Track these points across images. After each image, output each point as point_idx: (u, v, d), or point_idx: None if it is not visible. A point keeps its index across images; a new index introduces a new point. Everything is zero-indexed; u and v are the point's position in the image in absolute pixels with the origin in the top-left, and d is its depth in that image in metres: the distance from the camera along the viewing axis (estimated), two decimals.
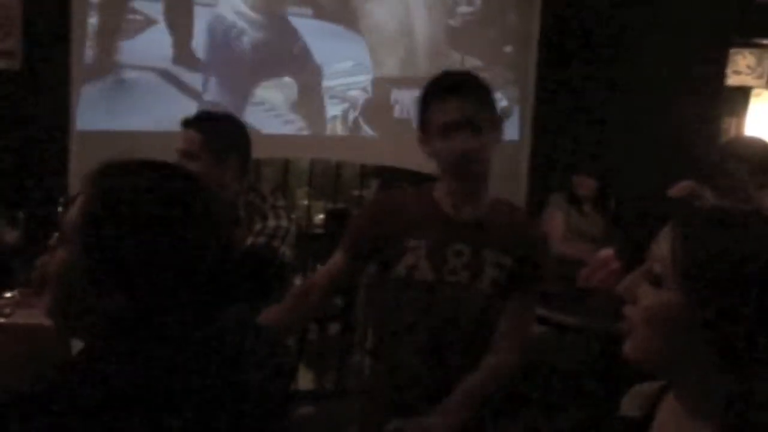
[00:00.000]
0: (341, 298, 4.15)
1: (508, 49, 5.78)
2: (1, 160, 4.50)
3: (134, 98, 4.88)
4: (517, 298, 2.22)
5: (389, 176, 5.50)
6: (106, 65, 4.85)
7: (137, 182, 1.21)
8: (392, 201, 2.36)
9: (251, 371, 1.26)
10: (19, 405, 1.08)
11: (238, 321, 1.30)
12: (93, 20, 4.81)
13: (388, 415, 2.13)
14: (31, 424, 1.05)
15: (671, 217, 1.17)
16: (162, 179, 1.23)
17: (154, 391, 1.13)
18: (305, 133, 5.32)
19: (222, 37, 5.07)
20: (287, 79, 5.26)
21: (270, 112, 5.23)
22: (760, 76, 5.28)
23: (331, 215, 5.60)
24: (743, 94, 5.29)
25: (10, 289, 2.85)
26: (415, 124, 2.31)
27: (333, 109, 5.37)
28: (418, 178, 3.13)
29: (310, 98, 5.31)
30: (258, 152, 3.02)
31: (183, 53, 5.00)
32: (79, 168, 4.52)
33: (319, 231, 5.54)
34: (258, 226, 2.70)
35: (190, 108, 4.30)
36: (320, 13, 5.31)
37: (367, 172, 5.92)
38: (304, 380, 4.53)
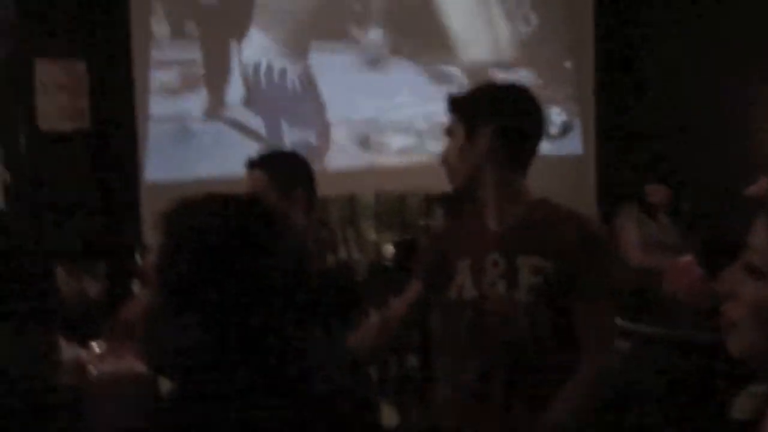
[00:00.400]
0: (418, 328, 4.12)
1: (567, 64, 5.76)
2: (78, 216, 4.65)
3: (200, 146, 5.01)
4: (582, 307, 2.01)
5: (453, 203, 5.48)
6: (171, 116, 4.99)
7: (207, 217, 1.23)
8: (449, 224, 2.34)
9: (338, 402, 1.25)
10: None
11: (319, 350, 1.30)
12: (157, 75, 4.98)
13: None
14: None
15: (764, 207, 1.12)
16: (231, 212, 1.25)
17: (245, 428, 1.14)
18: (369, 165, 5.37)
19: (279, 79, 5.19)
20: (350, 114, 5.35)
21: (333, 147, 5.32)
22: None
23: (399, 247, 5.59)
24: None
25: (97, 339, 2.91)
26: None
27: (396, 141, 5.41)
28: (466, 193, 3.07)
29: (372, 131, 5.37)
30: (324, 189, 3.05)
31: (249, 98, 5.14)
32: (152, 218, 4.64)
33: (388, 264, 5.54)
34: (329, 260, 2.72)
35: (256, 151, 4.39)
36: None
37: (431, 201, 5.91)
38: (388, 417, 4.49)
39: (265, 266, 1.22)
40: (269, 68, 5.18)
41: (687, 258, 3.25)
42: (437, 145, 5.36)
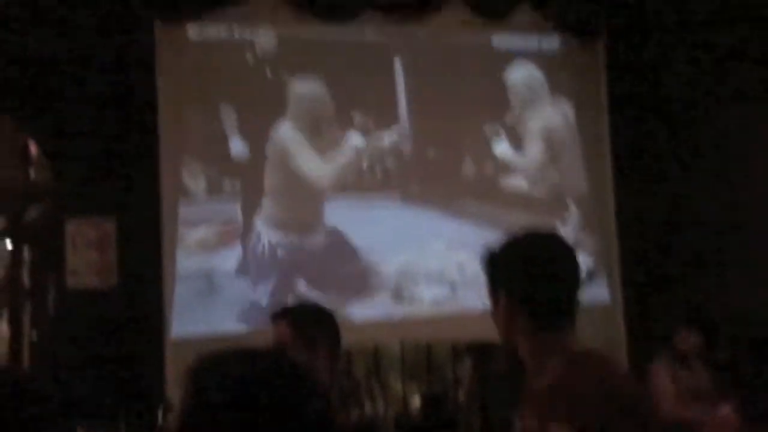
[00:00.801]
0: None
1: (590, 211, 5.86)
2: (100, 373, 4.61)
3: (225, 301, 5.02)
4: None
5: (482, 353, 5.39)
6: (199, 272, 5.04)
7: (231, 373, 1.21)
8: (491, 378, 2.25)
9: None
10: None
11: None
12: (187, 231, 5.08)
13: None
14: None
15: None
16: (255, 368, 1.23)
17: None
18: (398, 316, 5.35)
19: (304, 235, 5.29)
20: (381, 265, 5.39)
21: (362, 299, 5.33)
22: None
23: (427, 401, 5.46)
24: None
25: None
26: None
27: (429, 291, 5.42)
28: (510, 352, 3.02)
29: (404, 281, 5.40)
30: (348, 340, 3.02)
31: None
32: (176, 375, 4.59)
33: (416, 417, 5.39)
34: (355, 413, 2.65)
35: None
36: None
37: (459, 350, 5.82)
38: None
39: (289, 422, 1.19)
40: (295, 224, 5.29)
41: (725, 409, 3.12)
42: (469, 296, 5.28)
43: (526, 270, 2.01)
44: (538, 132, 5.80)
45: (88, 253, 4.83)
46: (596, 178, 5.89)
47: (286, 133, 5.27)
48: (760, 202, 5.15)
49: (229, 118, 5.19)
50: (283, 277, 5.17)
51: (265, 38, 5.28)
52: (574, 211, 5.77)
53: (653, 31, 5.83)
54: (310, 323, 2.81)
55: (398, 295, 5.36)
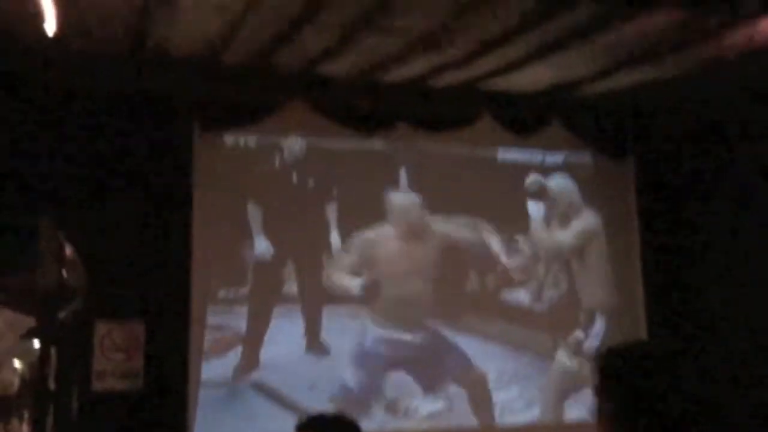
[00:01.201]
0: None
1: None
2: None
3: (250, 409, 4.96)
4: None
5: None
6: (223, 379, 5.00)
7: None
8: None
9: None
10: None
11: None
12: (212, 336, 5.08)
13: None
14: None
15: None
16: None
17: None
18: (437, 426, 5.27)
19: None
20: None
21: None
22: None
23: None
24: None
25: None
26: None
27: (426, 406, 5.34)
28: None
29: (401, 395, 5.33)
30: None
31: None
32: None
33: None
34: None
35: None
36: None
37: None
38: None
39: None
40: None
41: None
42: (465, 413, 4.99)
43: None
44: (567, 241, 5.83)
45: (115, 356, 4.83)
46: (625, 289, 5.85)
47: None
48: None
49: (254, 218, 5.29)
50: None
51: (293, 144, 5.44)
52: (599, 323, 5.72)
53: (683, 151, 5.90)
54: None
55: (393, 409, 5.28)
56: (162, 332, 4.89)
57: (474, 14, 4.02)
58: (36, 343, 5.74)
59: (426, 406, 5.35)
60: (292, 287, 5.31)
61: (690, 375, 1.85)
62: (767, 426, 4.87)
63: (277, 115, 5.23)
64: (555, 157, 5.93)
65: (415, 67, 4.94)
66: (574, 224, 5.85)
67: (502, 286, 5.70)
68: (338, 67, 4.94)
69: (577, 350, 5.68)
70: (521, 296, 5.72)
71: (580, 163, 5.97)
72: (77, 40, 4.33)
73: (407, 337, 5.39)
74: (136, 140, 4.93)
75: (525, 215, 5.78)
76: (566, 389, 5.63)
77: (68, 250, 5.44)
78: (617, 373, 1.90)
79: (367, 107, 5.39)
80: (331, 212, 5.44)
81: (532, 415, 5.56)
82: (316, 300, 5.32)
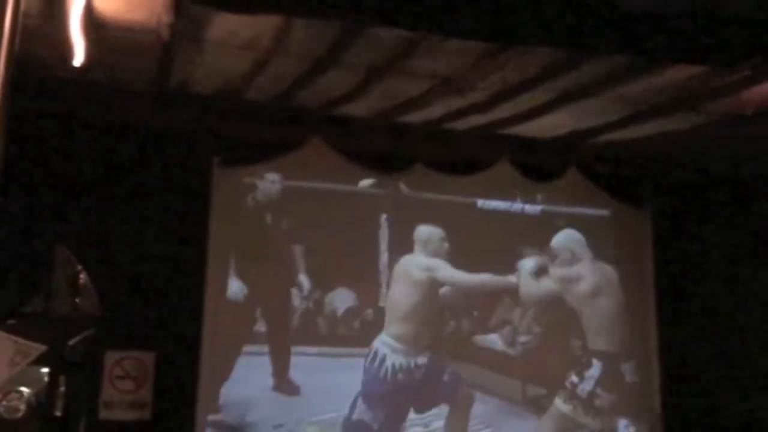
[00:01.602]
0: None
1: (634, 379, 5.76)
2: None
3: None
4: None
5: None
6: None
7: None
8: None
9: None
10: None
11: None
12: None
13: None
14: None
15: None
16: None
17: None
18: None
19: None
20: None
21: None
22: None
23: None
24: None
25: None
26: None
27: None
28: None
29: None
30: None
31: None
32: None
33: None
34: None
35: None
36: None
37: None
38: None
39: None
40: None
41: None
42: None
43: None
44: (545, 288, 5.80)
45: (124, 386, 4.82)
46: (641, 337, 5.81)
47: None
48: None
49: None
50: None
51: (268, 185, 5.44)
52: (596, 367, 5.67)
53: (699, 202, 5.90)
54: None
55: None
56: (172, 364, 4.88)
57: (497, 61, 4.04)
58: (45, 370, 5.72)
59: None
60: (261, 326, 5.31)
61: None
62: None
63: (295, 153, 5.26)
64: (560, 207, 5.93)
65: (436, 109, 4.97)
66: (558, 271, 5.80)
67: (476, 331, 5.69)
68: (359, 108, 4.97)
69: (572, 395, 5.63)
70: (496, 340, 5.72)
71: (596, 214, 5.97)
72: (103, 74, 4.38)
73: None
74: (156, 173, 4.97)
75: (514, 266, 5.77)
76: None
77: (83, 279, 5.45)
78: None
79: (386, 147, 5.41)
80: (299, 254, 5.42)
81: None
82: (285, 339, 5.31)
